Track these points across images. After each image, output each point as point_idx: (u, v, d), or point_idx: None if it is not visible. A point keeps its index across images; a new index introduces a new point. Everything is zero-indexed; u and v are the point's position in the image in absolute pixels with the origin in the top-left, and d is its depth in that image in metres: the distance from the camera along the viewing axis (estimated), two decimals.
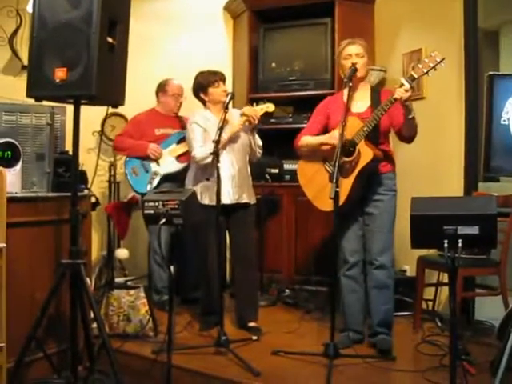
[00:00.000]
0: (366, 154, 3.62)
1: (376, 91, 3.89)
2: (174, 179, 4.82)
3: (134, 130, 5.01)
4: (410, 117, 3.58)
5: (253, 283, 4.37)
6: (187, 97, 5.00)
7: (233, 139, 4.17)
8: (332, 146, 3.68)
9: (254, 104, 4.32)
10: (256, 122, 4.14)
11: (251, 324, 4.24)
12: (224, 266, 5.27)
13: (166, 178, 4.89)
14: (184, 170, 4.63)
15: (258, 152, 4.33)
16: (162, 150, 4.90)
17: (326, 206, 3.68)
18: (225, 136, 4.00)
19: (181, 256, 4.74)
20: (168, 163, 4.88)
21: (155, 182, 4.87)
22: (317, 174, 3.88)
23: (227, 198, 4.09)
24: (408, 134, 3.73)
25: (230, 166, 4.16)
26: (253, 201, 4.31)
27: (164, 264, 4.76)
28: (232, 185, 4.15)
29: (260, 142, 4.32)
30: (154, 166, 4.92)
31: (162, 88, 5.13)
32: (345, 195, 3.58)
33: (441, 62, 3.43)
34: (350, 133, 3.61)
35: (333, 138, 3.70)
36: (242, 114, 4.16)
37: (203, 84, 4.28)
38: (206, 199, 4.11)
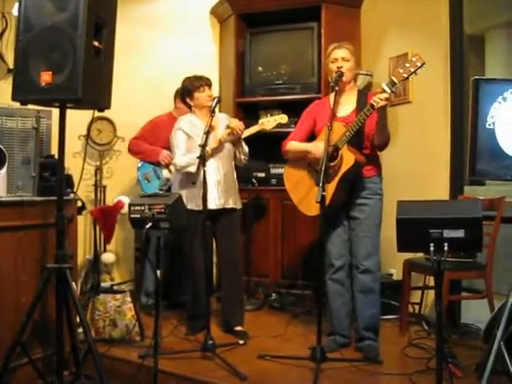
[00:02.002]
0: (348, 159, 3.63)
1: (363, 94, 3.90)
2: None
3: (148, 134, 5.08)
4: (382, 124, 3.59)
5: (239, 287, 4.37)
6: None
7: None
8: (315, 156, 3.72)
9: (268, 115, 4.35)
10: (240, 134, 4.16)
11: (238, 328, 4.24)
12: (211, 270, 5.26)
13: None
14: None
15: (244, 159, 4.34)
16: None
17: (310, 211, 3.75)
18: (207, 149, 3.97)
19: (169, 260, 4.74)
20: None
21: (166, 189, 4.89)
22: (301, 179, 3.90)
23: (213, 203, 4.09)
24: (379, 142, 3.74)
25: (216, 172, 4.16)
26: (239, 206, 4.31)
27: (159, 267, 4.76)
28: (218, 190, 4.15)
29: (246, 150, 4.33)
30: (165, 173, 4.95)
31: (179, 94, 5.12)
32: (328, 199, 3.57)
33: (421, 66, 3.43)
34: (334, 138, 3.62)
35: (317, 148, 3.72)
36: (227, 127, 4.17)
37: (189, 89, 4.29)
38: (191, 204, 4.10)
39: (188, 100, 4.34)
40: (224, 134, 4.14)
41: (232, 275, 4.29)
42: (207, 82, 4.30)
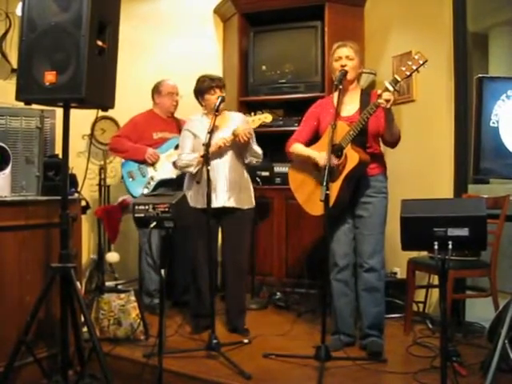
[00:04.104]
0: (352, 158, 3.62)
1: (366, 93, 3.90)
2: (170, 184, 4.81)
3: (131, 132, 4.99)
4: (390, 120, 3.59)
5: (240, 289, 4.32)
6: (183, 96, 5.03)
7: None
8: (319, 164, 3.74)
9: (252, 114, 4.33)
10: (244, 141, 4.05)
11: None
12: (216, 269, 5.25)
13: (162, 183, 4.89)
14: (181, 176, 4.60)
15: (256, 160, 4.25)
16: (160, 155, 4.91)
17: (316, 210, 3.74)
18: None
19: (172, 259, 4.74)
20: (165, 169, 4.86)
21: (151, 187, 4.87)
22: (306, 179, 3.90)
23: (212, 201, 4.07)
24: (390, 139, 3.74)
25: (218, 170, 4.13)
26: (245, 206, 4.24)
27: (155, 267, 4.76)
28: (217, 189, 4.11)
29: (258, 151, 4.24)
30: (150, 171, 4.92)
31: (156, 89, 5.13)
32: (332, 199, 3.57)
33: (423, 64, 3.43)
34: (338, 137, 3.61)
35: (321, 158, 3.71)
36: (232, 133, 4.07)
37: (201, 89, 4.27)
38: (195, 203, 4.11)
39: (200, 99, 4.33)
40: (226, 139, 4.08)
41: (234, 275, 4.28)
42: (219, 84, 4.25)
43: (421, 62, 3.43)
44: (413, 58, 3.48)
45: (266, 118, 4.34)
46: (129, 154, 4.94)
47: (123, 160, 5.01)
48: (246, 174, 4.31)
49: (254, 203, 4.33)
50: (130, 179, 4.93)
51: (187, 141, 4.24)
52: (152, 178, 4.89)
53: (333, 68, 3.87)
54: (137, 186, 4.89)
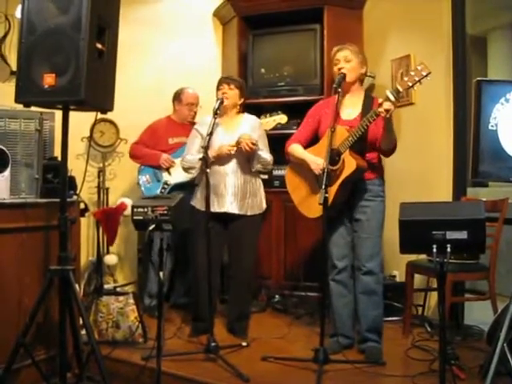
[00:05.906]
0: (349, 164, 3.62)
1: (369, 98, 3.89)
2: (186, 188, 4.82)
3: (148, 139, 5.13)
4: (389, 129, 3.59)
5: (239, 295, 4.31)
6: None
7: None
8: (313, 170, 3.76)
9: (268, 115, 4.34)
10: (246, 151, 4.00)
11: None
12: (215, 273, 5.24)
13: (177, 187, 4.94)
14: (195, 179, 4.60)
15: (263, 168, 4.20)
16: (175, 160, 4.95)
17: (311, 212, 3.78)
18: (209, 155, 3.90)
19: (174, 262, 4.76)
20: (179, 173, 4.86)
21: (166, 192, 4.96)
22: (303, 181, 3.92)
23: (214, 206, 4.08)
24: (386, 147, 3.73)
25: (221, 175, 4.13)
26: (250, 212, 4.19)
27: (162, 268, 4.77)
28: (218, 193, 4.11)
29: (267, 158, 4.17)
30: (165, 176, 5.02)
31: (177, 97, 5.22)
32: (328, 202, 3.56)
33: (426, 75, 3.42)
34: (337, 142, 3.62)
35: (316, 164, 3.73)
36: (236, 141, 4.01)
37: (217, 87, 4.28)
38: (198, 204, 4.12)
39: None
40: (228, 147, 4.04)
41: (236, 280, 4.29)
42: (226, 81, 4.24)
43: (424, 74, 3.42)
44: (416, 68, 3.46)
45: (282, 119, 4.36)
46: (145, 159, 5.09)
47: (141, 167, 5.11)
48: (254, 179, 4.25)
49: (262, 209, 4.31)
50: (147, 184, 5.06)
51: (194, 141, 4.24)
52: (166, 183, 4.99)
53: (334, 72, 3.88)
54: (152, 190, 5.00)
